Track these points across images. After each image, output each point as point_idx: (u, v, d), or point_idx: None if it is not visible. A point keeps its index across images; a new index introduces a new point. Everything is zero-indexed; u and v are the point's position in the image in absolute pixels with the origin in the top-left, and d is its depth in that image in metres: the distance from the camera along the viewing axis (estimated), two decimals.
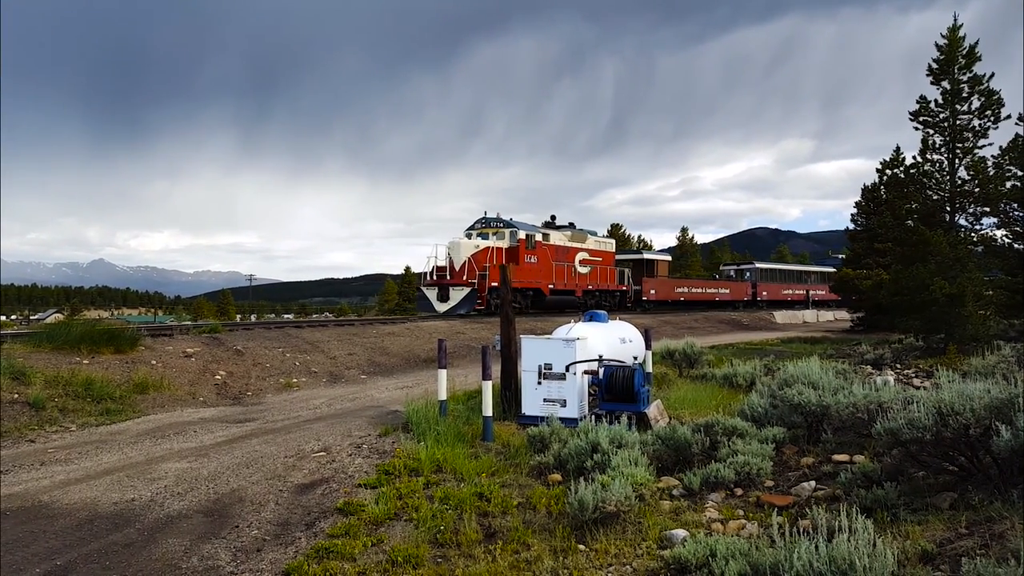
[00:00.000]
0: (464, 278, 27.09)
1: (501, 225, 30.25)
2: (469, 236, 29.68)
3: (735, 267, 55.40)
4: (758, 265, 54.34)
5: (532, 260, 30.22)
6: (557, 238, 32.54)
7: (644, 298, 39.60)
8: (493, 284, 27.00)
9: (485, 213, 31.14)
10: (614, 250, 37.99)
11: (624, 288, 37.35)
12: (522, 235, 29.89)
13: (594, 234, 36.47)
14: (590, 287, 34.31)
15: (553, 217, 34.86)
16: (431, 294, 27.78)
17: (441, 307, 27.34)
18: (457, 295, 26.99)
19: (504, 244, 29.44)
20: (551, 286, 31.41)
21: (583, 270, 33.98)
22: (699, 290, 45.72)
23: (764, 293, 50.69)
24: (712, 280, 52.40)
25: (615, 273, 36.66)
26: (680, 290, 43.69)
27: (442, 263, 27.88)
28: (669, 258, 47.88)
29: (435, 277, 27.96)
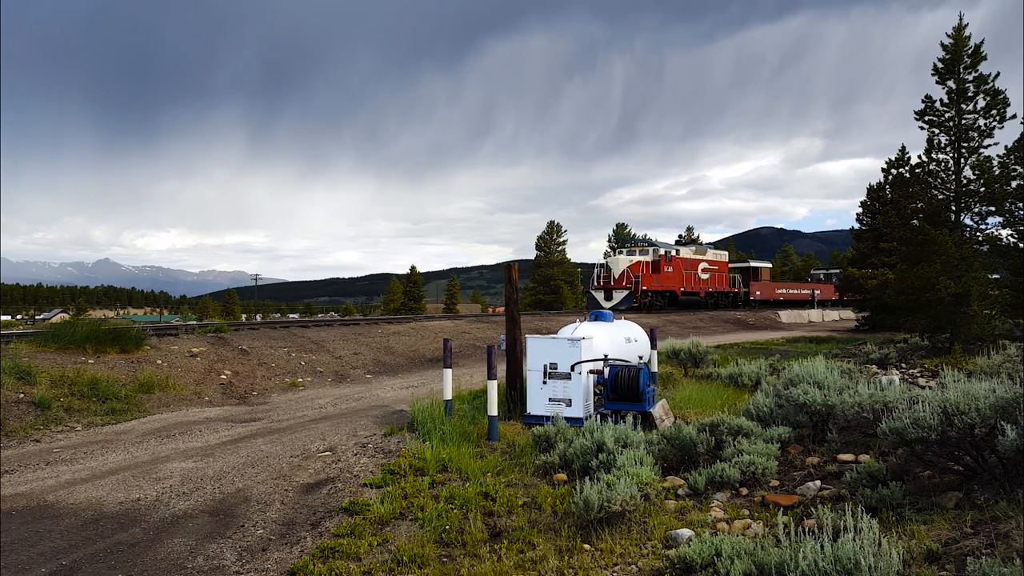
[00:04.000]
0: (623, 283, 37.57)
1: (645, 244, 41.49)
2: (621, 253, 40.55)
3: (824, 271, 63.84)
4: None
5: (669, 270, 40.02)
6: (685, 252, 42.53)
7: (751, 298, 48.15)
8: (644, 288, 37.78)
9: (634, 235, 43.49)
10: (727, 260, 47.55)
11: (736, 291, 46.85)
12: (661, 251, 40.11)
13: (712, 247, 47.43)
14: (710, 290, 43.76)
15: (680, 236, 49.34)
16: (599, 295, 38.04)
17: (607, 304, 36.91)
18: (619, 295, 37.34)
19: (648, 258, 39.31)
20: (682, 289, 40.90)
21: (704, 276, 43.35)
22: (795, 291, 53.03)
23: (848, 293, 56.96)
24: (805, 282, 60.81)
25: (728, 278, 46.23)
26: (780, 291, 51.91)
27: (605, 273, 38.79)
28: (770, 265, 59.11)
29: (601, 283, 38.58)
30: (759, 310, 45.36)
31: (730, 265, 48.00)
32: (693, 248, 44.11)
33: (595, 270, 39.63)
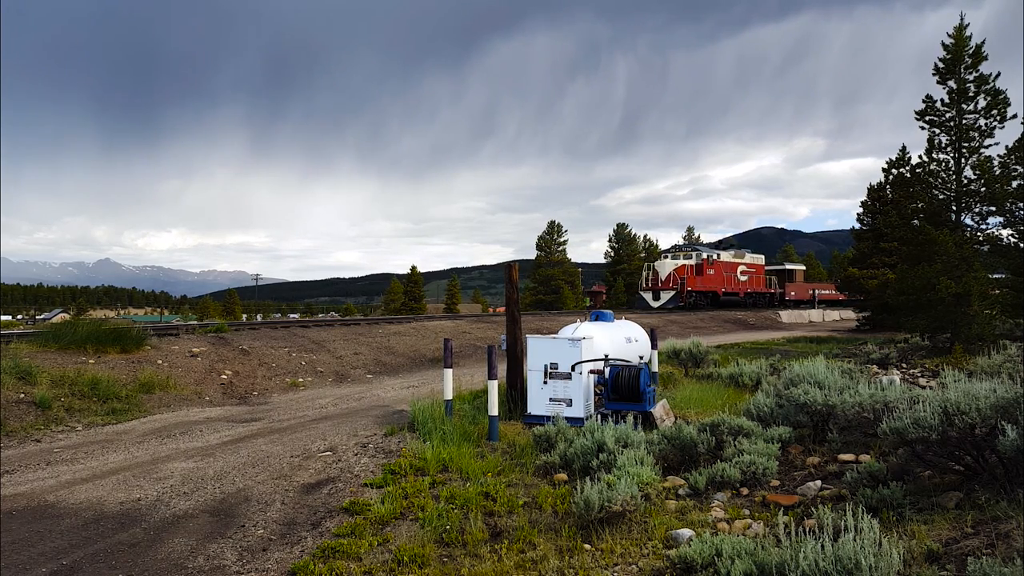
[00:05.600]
0: (670, 285, 41.83)
1: (689, 249, 45.35)
2: (667, 257, 44.83)
3: None
4: None
5: (711, 272, 43.77)
6: (726, 256, 46.30)
7: (786, 298, 51.60)
8: (688, 289, 41.41)
9: (678, 242, 46.96)
10: (763, 263, 51.47)
11: (772, 291, 50.48)
12: (704, 255, 44.05)
13: (750, 251, 50.87)
14: (748, 291, 47.43)
15: (720, 241, 52.10)
16: (647, 296, 42.54)
17: (655, 304, 41.49)
18: (666, 295, 41.56)
19: (692, 262, 43.00)
20: (723, 290, 44.54)
21: (743, 278, 47.15)
22: (827, 291, 55.57)
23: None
24: (835, 283, 60.73)
25: (764, 280, 50.17)
26: (812, 292, 54.58)
27: (653, 276, 43.32)
28: (804, 268, 63.51)
29: (649, 284, 43.17)
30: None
31: (766, 268, 51.72)
32: (733, 252, 48.03)
33: (643, 273, 45.01)
